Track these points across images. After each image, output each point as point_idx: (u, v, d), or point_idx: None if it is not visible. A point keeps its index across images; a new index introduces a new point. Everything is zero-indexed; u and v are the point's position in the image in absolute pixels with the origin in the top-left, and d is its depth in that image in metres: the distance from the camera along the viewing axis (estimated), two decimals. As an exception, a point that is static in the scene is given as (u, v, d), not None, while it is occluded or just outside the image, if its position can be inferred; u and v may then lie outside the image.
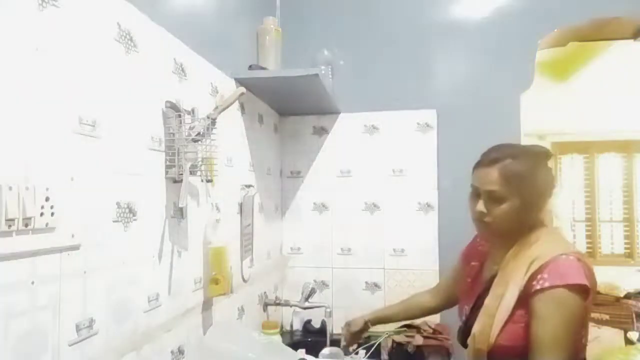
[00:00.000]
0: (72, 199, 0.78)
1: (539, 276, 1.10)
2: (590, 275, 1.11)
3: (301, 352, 1.50)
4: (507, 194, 1.15)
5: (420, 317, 1.67)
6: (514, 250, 1.19)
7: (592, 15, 1.90)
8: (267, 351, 1.15)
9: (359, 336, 1.55)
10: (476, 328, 1.19)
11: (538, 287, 1.09)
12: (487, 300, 1.18)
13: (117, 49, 0.92)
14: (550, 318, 1.08)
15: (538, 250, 1.14)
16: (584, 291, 1.08)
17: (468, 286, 1.34)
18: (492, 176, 1.17)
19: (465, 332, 1.26)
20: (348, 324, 1.54)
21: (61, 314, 0.76)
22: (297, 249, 2.10)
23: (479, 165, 1.23)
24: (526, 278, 1.12)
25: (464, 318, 1.31)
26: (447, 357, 1.72)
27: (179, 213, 1.14)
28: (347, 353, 1.56)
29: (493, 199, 1.17)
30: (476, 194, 1.22)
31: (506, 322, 1.13)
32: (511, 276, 1.16)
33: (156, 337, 1.04)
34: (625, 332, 3.26)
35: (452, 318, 1.50)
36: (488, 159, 1.20)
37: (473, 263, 1.37)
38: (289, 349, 1.35)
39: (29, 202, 0.68)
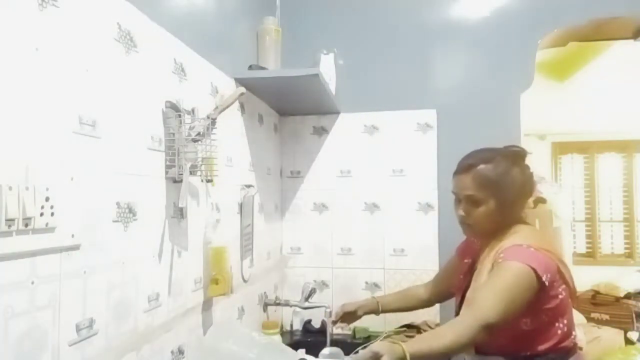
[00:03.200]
0: (72, 199, 0.78)
1: (499, 257, 1.20)
2: (552, 268, 1.18)
3: (301, 352, 1.50)
4: (483, 197, 1.25)
5: (413, 309, 1.65)
6: (490, 245, 1.28)
7: (592, 15, 1.89)
8: (267, 351, 1.15)
9: (349, 318, 1.59)
10: None
11: (499, 262, 1.18)
12: (469, 292, 1.27)
13: (117, 49, 0.92)
14: (493, 279, 1.17)
15: (505, 241, 1.24)
16: (533, 274, 1.14)
17: (460, 282, 1.39)
18: (468, 182, 1.27)
19: None
20: (344, 304, 1.59)
21: (61, 314, 0.76)
22: (297, 249, 2.10)
23: (456, 172, 1.32)
24: (492, 262, 1.22)
25: (456, 311, 1.37)
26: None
27: (179, 213, 1.15)
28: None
29: (471, 203, 1.27)
30: (457, 200, 1.32)
31: None
32: (484, 266, 1.25)
33: (156, 337, 1.05)
34: (625, 332, 3.26)
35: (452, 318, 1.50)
36: (463, 166, 1.30)
37: (466, 260, 1.43)
38: (289, 349, 1.35)
39: (29, 202, 0.68)
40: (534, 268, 1.14)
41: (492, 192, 1.25)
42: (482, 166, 1.26)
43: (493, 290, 1.15)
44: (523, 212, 1.34)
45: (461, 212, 1.30)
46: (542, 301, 1.17)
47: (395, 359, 1.06)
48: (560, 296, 1.20)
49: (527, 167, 1.31)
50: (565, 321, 1.22)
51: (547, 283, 1.15)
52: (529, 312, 1.17)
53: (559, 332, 1.20)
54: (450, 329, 1.15)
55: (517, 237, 1.24)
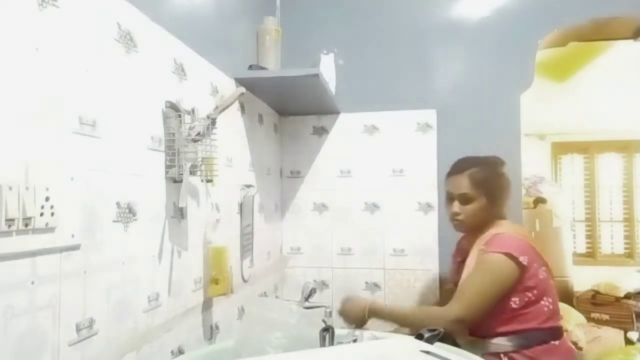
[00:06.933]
0: (72, 199, 0.78)
1: (483, 248, 1.39)
2: (529, 251, 1.37)
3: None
4: (475, 195, 1.47)
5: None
6: (479, 239, 1.46)
7: (592, 15, 1.90)
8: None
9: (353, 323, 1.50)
10: None
11: (481, 254, 1.38)
12: (460, 281, 1.45)
13: (117, 49, 0.92)
14: (478, 272, 1.37)
15: (489, 232, 1.44)
16: (511, 260, 1.33)
17: (455, 278, 1.58)
18: (463, 182, 1.48)
19: None
20: (346, 306, 1.51)
21: (61, 314, 0.76)
22: (297, 249, 2.10)
23: (450, 174, 1.54)
24: (478, 253, 1.40)
25: None
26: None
27: (179, 213, 1.15)
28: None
29: (464, 200, 1.48)
30: (450, 198, 1.52)
31: None
32: (471, 258, 1.43)
33: (156, 337, 1.05)
34: (625, 332, 3.26)
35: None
36: (458, 169, 1.52)
37: (458, 259, 1.61)
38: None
39: (29, 202, 0.68)
40: (511, 253, 1.34)
41: (482, 191, 1.46)
42: (474, 169, 1.48)
43: (474, 287, 1.36)
44: (504, 210, 1.53)
45: (455, 209, 1.50)
46: (524, 280, 1.35)
47: (357, 306, 1.44)
48: (540, 276, 1.37)
49: (505, 174, 1.53)
50: (550, 299, 1.38)
51: (525, 263, 1.33)
52: (515, 292, 1.35)
53: (546, 309, 1.37)
54: (427, 312, 1.42)
55: (497, 229, 1.44)
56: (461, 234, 1.62)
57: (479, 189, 1.46)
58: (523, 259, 1.33)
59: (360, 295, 2.01)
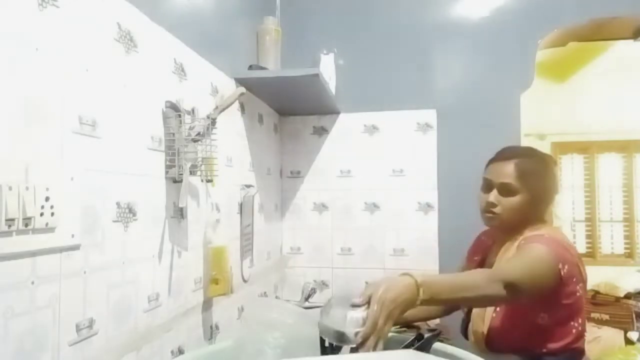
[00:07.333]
0: (72, 199, 0.78)
1: (521, 243, 1.20)
2: (570, 262, 1.17)
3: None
4: (519, 187, 1.25)
5: (435, 318, 1.55)
6: (510, 240, 1.27)
7: (592, 15, 1.90)
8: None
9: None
10: (474, 312, 1.28)
11: (522, 244, 1.19)
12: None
13: (117, 49, 0.92)
14: (520, 255, 1.16)
15: (528, 232, 1.25)
16: (552, 259, 1.13)
17: None
18: (508, 170, 1.26)
19: (466, 322, 1.33)
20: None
21: (61, 314, 0.76)
22: (297, 249, 2.10)
23: (494, 160, 1.33)
24: (515, 248, 1.22)
25: (465, 309, 1.36)
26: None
27: (179, 213, 1.15)
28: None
29: (505, 191, 1.26)
30: (488, 187, 1.30)
31: None
32: (506, 255, 1.26)
33: (156, 337, 1.04)
34: (625, 332, 3.27)
35: (452, 319, 1.50)
36: (504, 155, 1.31)
37: (475, 257, 1.42)
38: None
39: (29, 202, 0.68)
40: (554, 254, 1.14)
41: (529, 185, 1.25)
42: (524, 158, 1.28)
43: (516, 260, 1.14)
44: (545, 213, 1.34)
45: (492, 199, 1.27)
46: (560, 295, 1.16)
47: (401, 283, 0.89)
48: (577, 293, 1.19)
49: (556, 174, 1.35)
50: (580, 320, 1.22)
51: (563, 273, 1.14)
52: (547, 306, 1.17)
53: (574, 331, 1.20)
54: (472, 276, 1.10)
55: (540, 231, 1.25)
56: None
57: (524, 182, 1.24)
58: (562, 267, 1.14)
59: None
